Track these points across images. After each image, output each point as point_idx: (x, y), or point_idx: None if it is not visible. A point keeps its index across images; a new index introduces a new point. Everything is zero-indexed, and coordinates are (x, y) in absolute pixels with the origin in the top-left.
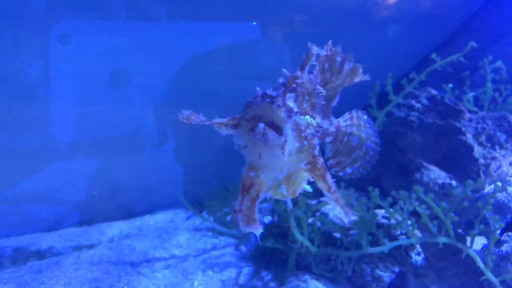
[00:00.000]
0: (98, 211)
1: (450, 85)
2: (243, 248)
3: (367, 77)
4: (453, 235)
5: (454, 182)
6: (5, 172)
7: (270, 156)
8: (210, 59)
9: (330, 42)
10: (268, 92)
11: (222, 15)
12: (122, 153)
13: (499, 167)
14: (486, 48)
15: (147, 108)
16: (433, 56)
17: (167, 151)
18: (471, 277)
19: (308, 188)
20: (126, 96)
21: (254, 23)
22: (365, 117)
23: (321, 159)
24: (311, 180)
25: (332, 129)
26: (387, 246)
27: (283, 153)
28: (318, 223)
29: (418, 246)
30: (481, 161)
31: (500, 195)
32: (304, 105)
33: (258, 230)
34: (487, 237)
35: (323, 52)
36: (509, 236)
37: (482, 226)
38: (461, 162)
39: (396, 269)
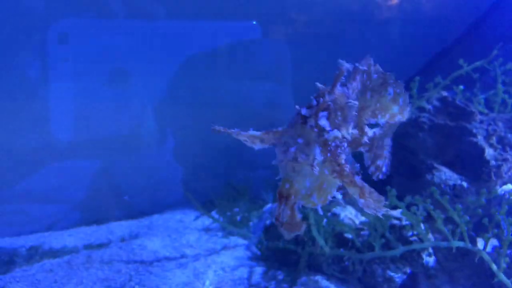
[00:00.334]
0: (105, 211)
1: (461, 87)
2: (253, 248)
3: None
4: (467, 239)
5: (465, 184)
6: (9, 171)
7: (301, 170)
8: (210, 59)
9: (368, 57)
10: (303, 111)
11: (222, 15)
12: (128, 152)
13: (510, 168)
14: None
15: (152, 107)
16: (461, 61)
17: (173, 150)
18: (482, 278)
19: (339, 196)
20: (128, 95)
21: (254, 23)
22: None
23: (348, 166)
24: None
25: (366, 140)
26: (399, 249)
27: (312, 169)
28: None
29: (429, 247)
30: (492, 162)
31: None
32: (336, 120)
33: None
34: (499, 239)
35: (361, 67)
36: None
37: (495, 230)
38: (472, 164)
39: (408, 270)
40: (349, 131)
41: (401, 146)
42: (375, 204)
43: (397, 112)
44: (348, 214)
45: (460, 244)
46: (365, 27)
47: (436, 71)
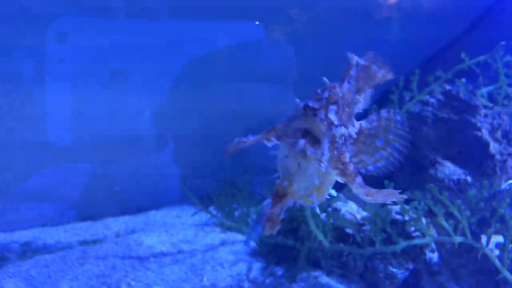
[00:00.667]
0: (101, 207)
1: (463, 79)
2: (252, 243)
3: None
4: (469, 234)
5: (469, 179)
6: (4, 169)
7: (307, 166)
8: (210, 59)
9: (370, 53)
10: (310, 104)
11: (221, 14)
12: (124, 149)
13: None
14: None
15: (150, 105)
16: (463, 55)
17: (170, 147)
18: (486, 275)
19: (333, 193)
20: (126, 93)
21: (257, 23)
22: (398, 117)
23: (351, 165)
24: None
25: (353, 134)
26: (401, 245)
27: (320, 165)
28: (331, 219)
29: (432, 243)
30: (497, 157)
31: None
32: (343, 116)
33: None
34: (503, 235)
35: (361, 62)
36: None
37: (498, 225)
38: (476, 158)
39: (410, 266)
40: (354, 129)
41: None
42: (384, 198)
43: (381, 76)
44: (349, 209)
45: (461, 239)
46: (367, 24)
47: (438, 67)
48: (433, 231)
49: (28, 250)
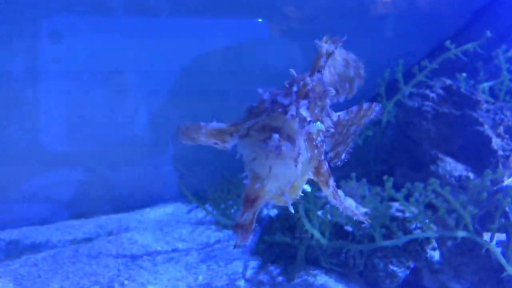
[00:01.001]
0: (94, 205)
1: (464, 74)
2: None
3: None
4: (472, 229)
5: (471, 175)
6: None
7: (281, 168)
8: (209, 58)
9: (334, 37)
10: (279, 99)
11: (221, 12)
12: (119, 147)
13: None
14: (502, 39)
15: (146, 102)
16: (447, 43)
17: (166, 145)
18: (489, 273)
19: (307, 188)
20: (122, 90)
21: (260, 20)
22: (377, 108)
23: (326, 164)
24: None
25: (331, 128)
26: (401, 239)
27: (295, 166)
28: (329, 216)
29: (433, 240)
30: (500, 152)
31: None
32: (316, 110)
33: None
34: (507, 232)
35: (332, 48)
36: None
37: (503, 220)
38: (478, 154)
39: (411, 264)
40: (329, 121)
41: (404, 136)
42: (345, 208)
43: (354, 75)
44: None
45: (464, 234)
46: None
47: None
48: (434, 228)
49: (16, 249)
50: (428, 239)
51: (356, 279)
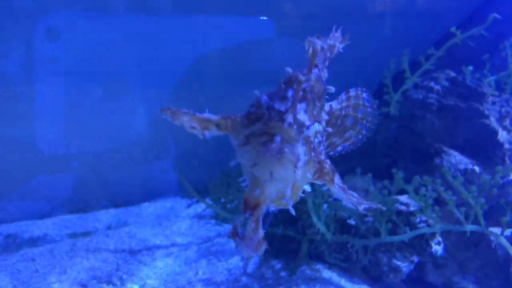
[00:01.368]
0: (92, 199)
1: (470, 67)
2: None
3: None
4: (483, 223)
5: (477, 168)
6: None
7: (282, 173)
8: (209, 57)
9: (334, 30)
10: (276, 106)
11: (221, 11)
12: (118, 143)
13: None
14: (507, 33)
15: (145, 98)
16: (453, 29)
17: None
18: (495, 268)
19: (308, 188)
20: (119, 89)
21: (265, 18)
22: (365, 95)
23: (328, 163)
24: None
25: (325, 126)
26: (408, 234)
27: (295, 171)
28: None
29: (438, 235)
30: (506, 146)
31: None
32: (314, 112)
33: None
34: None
35: (329, 42)
36: None
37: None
38: (484, 147)
39: (415, 259)
40: (324, 120)
41: (407, 129)
42: (356, 201)
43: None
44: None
45: (474, 227)
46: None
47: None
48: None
49: (14, 243)
50: (433, 234)
51: (359, 274)
